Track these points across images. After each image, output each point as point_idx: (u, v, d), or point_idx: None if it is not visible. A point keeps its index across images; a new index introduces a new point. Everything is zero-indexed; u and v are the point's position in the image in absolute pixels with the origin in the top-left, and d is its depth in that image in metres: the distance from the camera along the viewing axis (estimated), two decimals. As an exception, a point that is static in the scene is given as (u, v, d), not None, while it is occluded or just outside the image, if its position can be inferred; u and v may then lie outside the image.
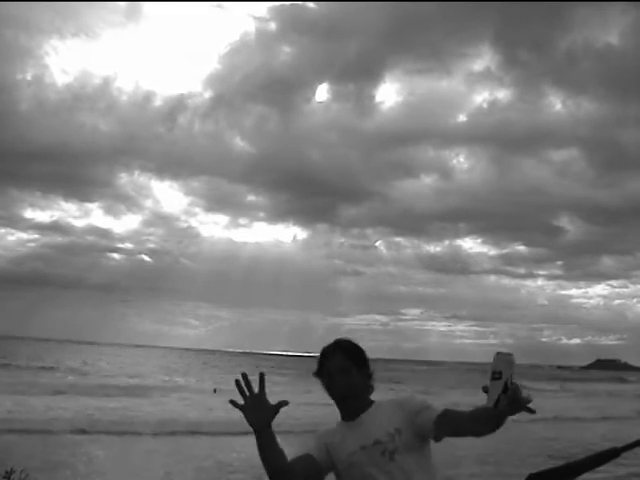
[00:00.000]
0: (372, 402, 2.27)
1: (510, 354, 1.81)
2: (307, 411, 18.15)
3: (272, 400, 2.05)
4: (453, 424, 2.06)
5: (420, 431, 2.13)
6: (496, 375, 1.78)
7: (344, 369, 2.22)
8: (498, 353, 1.81)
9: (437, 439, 2.14)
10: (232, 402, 2.07)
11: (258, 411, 2.02)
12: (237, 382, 2.04)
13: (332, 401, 2.29)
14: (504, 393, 1.76)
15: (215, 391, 28.97)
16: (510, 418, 1.85)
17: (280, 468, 2.07)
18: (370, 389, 2.29)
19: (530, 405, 1.81)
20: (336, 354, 2.25)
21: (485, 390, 1.81)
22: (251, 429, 2.05)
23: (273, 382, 38.59)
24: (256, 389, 2.05)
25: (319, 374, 2.28)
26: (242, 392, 2.05)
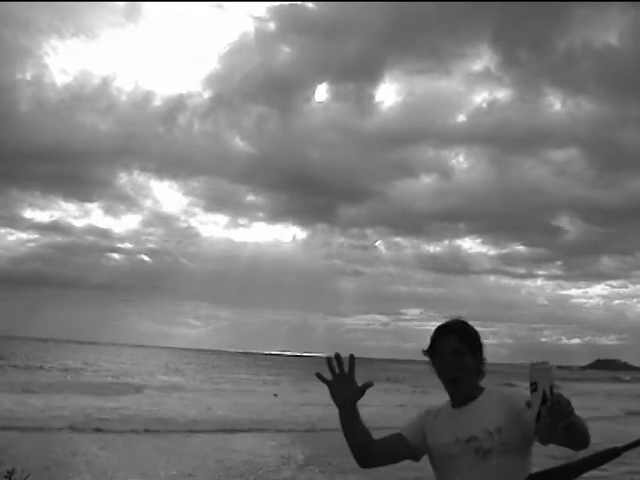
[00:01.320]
0: (482, 390, 2.17)
1: (545, 362, 1.71)
2: (306, 411, 18.13)
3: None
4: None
5: (523, 432, 1.98)
6: (532, 387, 1.68)
7: (457, 351, 2.13)
8: (532, 364, 1.71)
9: (543, 442, 1.89)
10: (318, 375, 2.12)
11: (346, 389, 2.07)
12: (328, 359, 2.09)
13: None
14: (544, 405, 1.66)
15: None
16: None
17: (364, 446, 2.10)
18: (481, 375, 2.20)
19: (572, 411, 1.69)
20: (451, 336, 2.17)
21: (528, 405, 1.72)
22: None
23: (273, 382, 38.60)
24: (346, 369, 2.10)
25: (430, 354, 2.21)
26: (332, 369, 2.10)
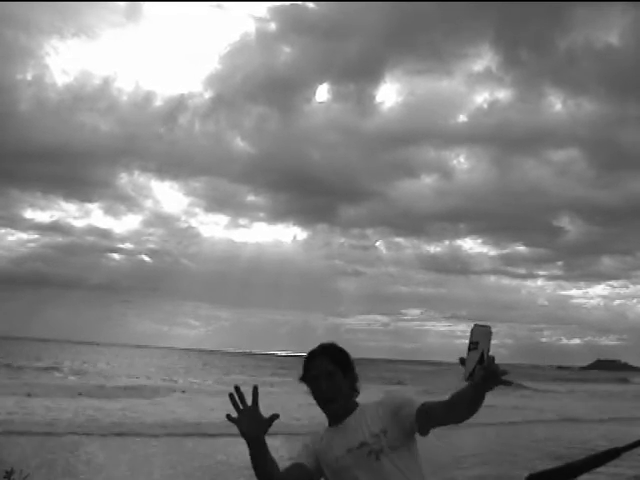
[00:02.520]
0: (357, 405, 2.27)
1: (488, 326, 1.81)
2: (307, 412, 18.12)
3: (266, 408, 2.05)
4: (433, 415, 2.06)
5: (404, 427, 2.13)
6: (473, 346, 1.78)
7: (329, 373, 2.23)
8: (475, 325, 1.81)
9: (422, 433, 2.14)
10: (228, 417, 2.08)
11: (251, 423, 2.05)
12: (231, 395, 2.07)
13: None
14: (480, 364, 1.77)
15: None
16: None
17: (272, 478, 2.10)
18: (355, 393, 2.30)
19: (506, 378, 1.80)
20: (321, 358, 2.26)
21: (462, 362, 1.81)
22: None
23: (273, 382, 38.58)
24: (249, 402, 2.07)
25: (305, 379, 2.30)
26: (235, 405, 2.07)
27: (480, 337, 1.79)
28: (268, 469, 2.08)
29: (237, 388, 2.07)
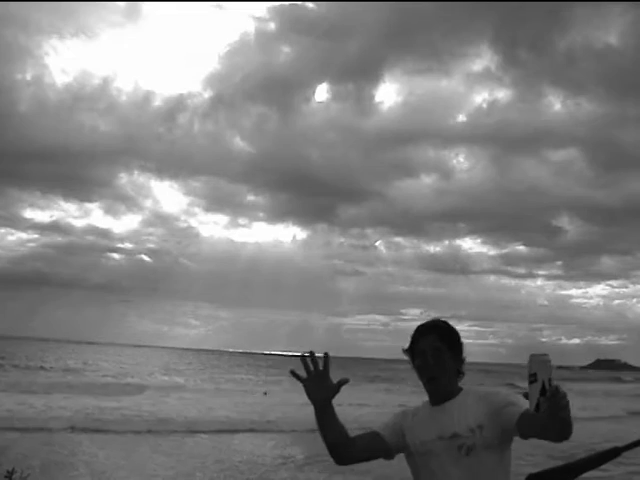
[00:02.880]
0: (460, 390, 2.19)
1: (545, 355, 1.74)
2: (308, 412, 18.11)
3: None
4: (533, 425, 1.90)
5: (503, 428, 2.03)
6: (532, 378, 1.72)
7: (437, 350, 2.15)
8: (532, 355, 1.74)
9: (524, 437, 1.99)
10: (293, 372, 2.10)
11: (321, 387, 2.06)
12: (303, 357, 2.08)
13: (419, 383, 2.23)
14: (542, 396, 1.69)
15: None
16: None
17: (340, 443, 2.10)
18: (460, 375, 2.21)
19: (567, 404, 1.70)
20: (431, 334, 2.18)
21: (525, 396, 1.77)
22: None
23: (273, 383, 38.58)
24: (321, 366, 2.08)
25: (411, 352, 2.23)
26: (307, 367, 2.08)
27: (537, 368, 1.72)
28: (336, 432, 2.08)
29: (312, 353, 2.09)
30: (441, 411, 2.15)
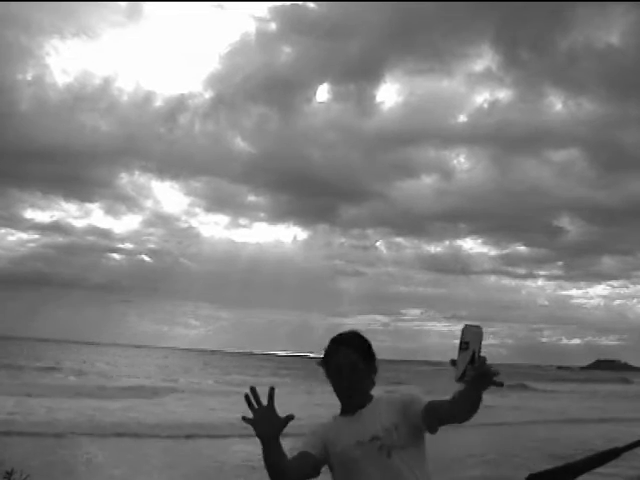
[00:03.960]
0: (372, 397, 2.27)
1: (478, 326, 1.80)
2: (307, 412, 18.12)
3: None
4: (437, 413, 2.07)
5: (412, 425, 2.14)
6: (464, 346, 1.77)
7: (352, 365, 2.21)
8: (466, 325, 1.80)
9: (431, 431, 2.14)
10: (244, 418, 2.06)
11: (267, 424, 2.03)
12: (246, 396, 2.05)
13: (334, 396, 2.30)
14: (471, 364, 1.75)
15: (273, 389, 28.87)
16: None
17: (282, 472, 2.10)
18: (372, 384, 2.29)
19: (497, 378, 1.79)
20: (347, 348, 2.24)
21: (453, 363, 1.81)
22: (254, 433, 2.05)
23: (273, 383, 38.57)
24: (265, 402, 2.05)
25: (325, 364, 2.27)
26: (250, 405, 2.05)
27: (471, 337, 1.78)
28: (281, 467, 2.09)
29: (253, 389, 2.05)
30: (356, 419, 2.22)
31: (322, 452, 2.22)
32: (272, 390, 2.06)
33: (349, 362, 2.21)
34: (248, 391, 2.05)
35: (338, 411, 2.32)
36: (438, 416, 2.08)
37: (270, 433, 2.03)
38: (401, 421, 2.15)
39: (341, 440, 2.20)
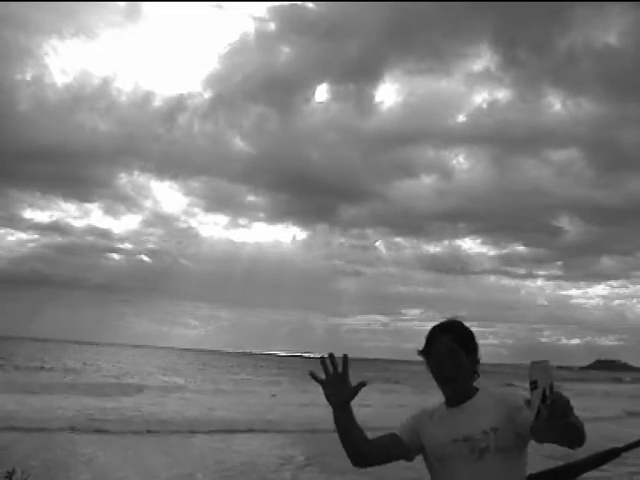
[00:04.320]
0: (477, 390, 2.18)
1: (545, 361, 1.72)
2: (307, 411, 18.12)
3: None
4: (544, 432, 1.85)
5: (519, 431, 2.00)
6: (533, 385, 1.69)
7: (453, 352, 2.14)
8: (533, 362, 1.72)
9: (539, 441, 1.90)
10: (312, 374, 2.10)
11: (339, 389, 2.06)
12: (322, 360, 2.08)
13: (431, 383, 2.24)
14: (543, 403, 1.67)
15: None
16: None
17: (358, 445, 2.10)
18: (475, 376, 2.20)
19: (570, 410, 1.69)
20: (446, 336, 2.17)
21: (527, 404, 1.75)
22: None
23: (273, 383, 38.58)
24: (340, 369, 2.08)
25: (426, 353, 2.22)
26: (326, 369, 2.08)
27: (538, 374, 1.70)
28: (354, 435, 2.08)
29: (331, 354, 2.09)
30: (457, 413, 2.14)
31: (414, 440, 2.18)
32: (346, 357, 2.10)
33: (447, 348, 2.14)
34: (325, 356, 2.09)
35: (443, 399, 2.23)
36: (546, 436, 1.82)
37: (342, 398, 2.06)
38: (504, 425, 2.03)
39: (437, 433, 2.15)
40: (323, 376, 2.09)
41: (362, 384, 2.08)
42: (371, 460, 2.15)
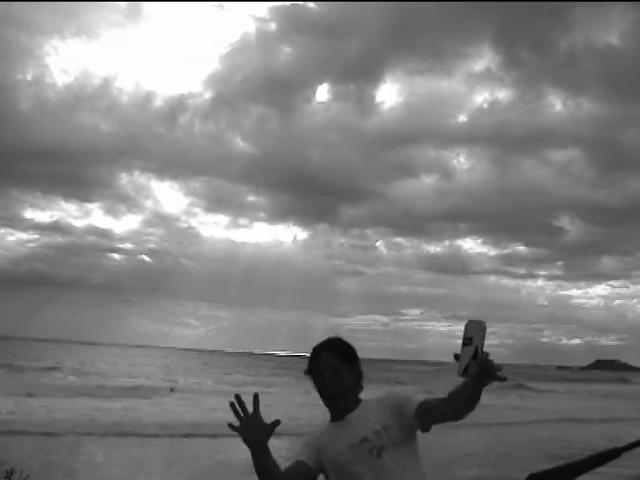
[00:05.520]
0: (360, 401, 2.28)
1: (482, 321, 1.80)
2: (307, 412, 18.12)
3: (266, 408, 2.04)
4: (432, 412, 2.09)
5: (405, 424, 2.14)
6: (467, 341, 1.78)
7: (334, 368, 2.22)
8: (469, 320, 1.81)
9: (424, 430, 2.15)
10: (230, 426, 2.07)
11: (253, 431, 2.04)
12: (232, 404, 2.06)
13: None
14: (474, 359, 1.76)
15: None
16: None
17: (273, 478, 2.10)
18: (359, 388, 2.30)
19: (500, 374, 1.80)
20: (327, 353, 2.25)
21: (456, 358, 1.81)
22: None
23: (273, 383, 38.58)
24: (250, 409, 2.06)
25: (310, 372, 2.29)
26: (237, 413, 2.06)
27: (474, 332, 1.79)
28: (271, 472, 2.08)
29: (237, 396, 2.06)
30: (346, 423, 2.22)
31: (317, 462, 2.22)
32: (256, 396, 2.06)
33: (329, 365, 2.22)
34: (233, 399, 2.05)
35: (328, 418, 2.31)
36: (433, 414, 2.09)
37: (257, 439, 2.04)
38: (392, 421, 2.15)
39: (334, 446, 2.20)
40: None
41: (276, 422, 2.04)
42: None
